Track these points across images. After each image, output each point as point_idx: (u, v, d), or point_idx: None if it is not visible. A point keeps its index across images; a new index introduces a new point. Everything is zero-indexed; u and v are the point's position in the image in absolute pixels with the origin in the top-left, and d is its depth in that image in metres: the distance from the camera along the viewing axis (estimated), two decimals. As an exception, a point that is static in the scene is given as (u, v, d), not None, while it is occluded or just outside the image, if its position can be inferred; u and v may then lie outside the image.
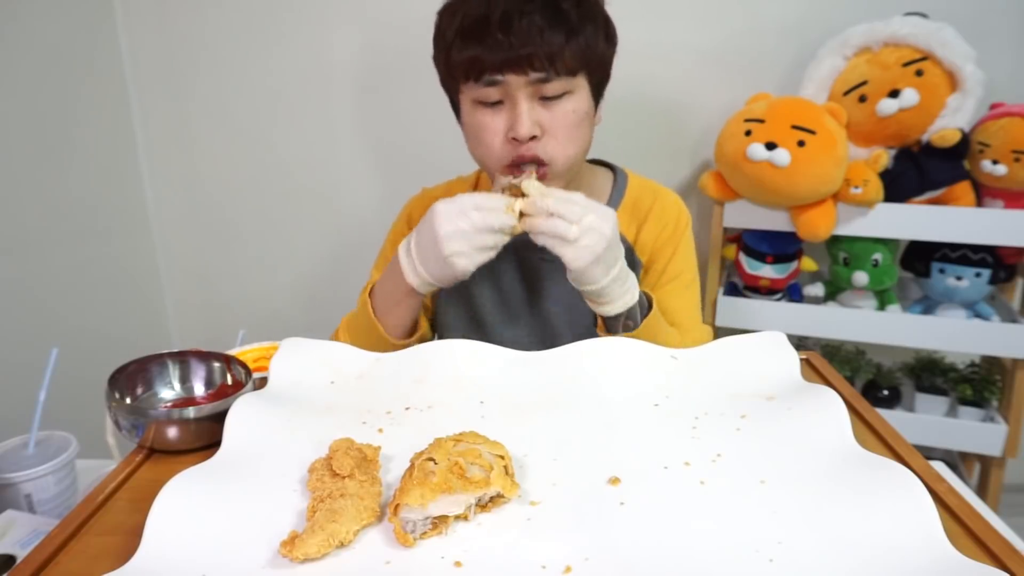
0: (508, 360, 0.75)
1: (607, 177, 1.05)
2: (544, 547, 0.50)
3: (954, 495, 0.56)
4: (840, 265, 1.52)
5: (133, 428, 0.64)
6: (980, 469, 1.61)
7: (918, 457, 0.62)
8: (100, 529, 0.55)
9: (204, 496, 0.53)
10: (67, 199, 1.53)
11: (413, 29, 1.57)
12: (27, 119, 1.43)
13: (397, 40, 1.64)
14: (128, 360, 0.71)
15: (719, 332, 1.04)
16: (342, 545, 0.49)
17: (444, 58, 0.89)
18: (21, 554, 0.68)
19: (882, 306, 1.51)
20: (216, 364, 0.74)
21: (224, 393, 0.70)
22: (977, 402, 1.51)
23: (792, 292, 1.57)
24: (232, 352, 0.84)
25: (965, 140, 1.34)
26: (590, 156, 0.98)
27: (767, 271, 1.51)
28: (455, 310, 1.04)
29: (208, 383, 0.74)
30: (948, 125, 1.34)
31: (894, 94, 1.34)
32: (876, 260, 1.47)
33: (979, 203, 1.42)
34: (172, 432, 0.63)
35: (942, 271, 1.46)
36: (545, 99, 0.86)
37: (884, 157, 1.38)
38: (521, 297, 1.03)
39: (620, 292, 0.83)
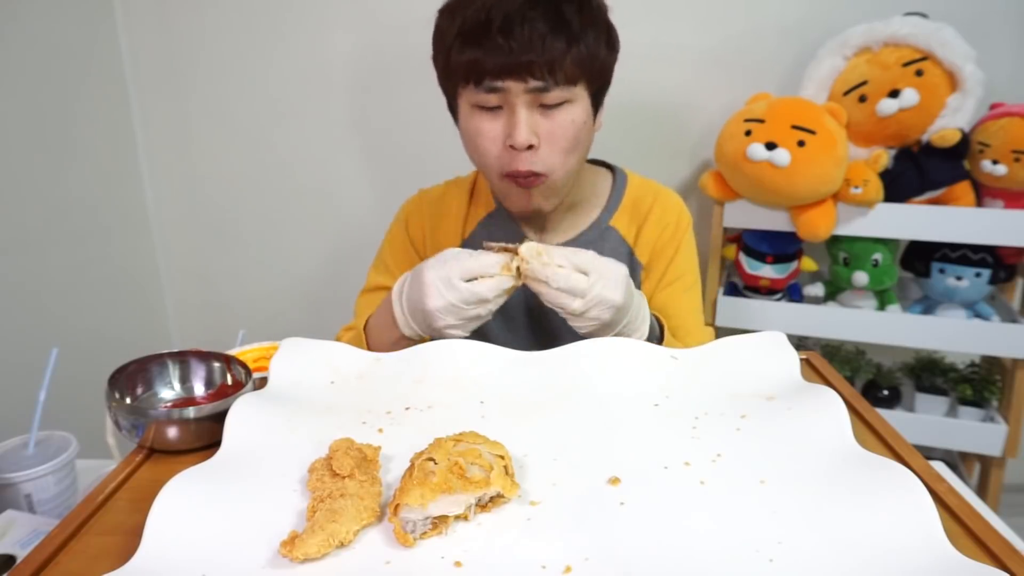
0: (508, 360, 0.75)
1: (606, 177, 1.05)
2: (544, 547, 0.50)
3: (954, 495, 0.56)
4: (840, 265, 1.52)
5: (133, 428, 0.64)
6: (980, 469, 1.61)
7: (918, 457, 0.62)
8: (100, 529, 0.55)
9: (204, 496, 0.53)
10: (67, 199, 1.54)
11: (413, 29, 1.57)
12: (27, 119, 1.43)
13: (397, 40, 1.64)
14: (128, 360, 0.71)
15: (719, 332, 1.04)
16: (342, 545, 0.49)
17: (443, 59, 0.87)
18: (21, 554, 0.68)
19: (882, 306, 1.51)
20: (216, 364, 0.74)
21: (224, 393, 0.70)
22: (977, 402, 1.51)
23: (792, 292, 1.57)
24: (232, 352, 0.84)
25: (965, 140, 1.34)
26: (589, 156, 0.98)
27: (767, 271, 1.52)
28: None
29: (208, 383, 0.74)
30: (948, 125, 1.34)
31: (894, 94, 1.34)
32: (876, 260, 1.47)
33: (979, 203, 1.42)
34: (172, 432, 0.63)
35: (942, 271, 1.46)
36: (544, 107, 0.84)
37: (884, 157, 1.38)
38: (519, 298, 1.03)
39: (630, 333, 0.82)
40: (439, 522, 0.51)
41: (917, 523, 0.49)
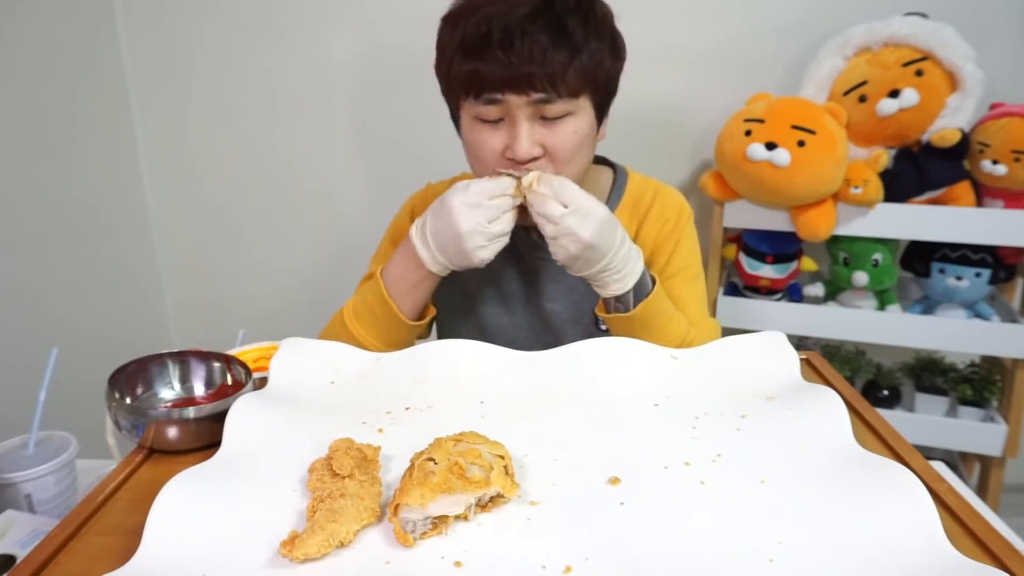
0: (508, 360, 0.75)
1: (607, 175, 1.05)
2: (544, 547, 0.50)
3: (954, 495, 0.56)
4: (840, 265, 1.52)
5: (133, 428, 0.64)
6: (980, 469, 1.61)
7: (918, 457, 0.62)
8: (100, 529, 0.55)
9: (204, 496, 0.53)
10: (67, 199, 1.54)
11: (413, 29, 1.58)
12: (27, 119, 1.43)
13: (397, 40, 1.64)
14: (128, 360, 0.71)
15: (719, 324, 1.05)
16: (342, 545, 0.49)
17: (445, 70, 0.87)
18: (21, 554, 0.68)
19: (882, 306, 1.51)
20: (216, 364, 0.74)
21: (224, 393, 0.70)
22: (977, 402, 1.51)
23: (792, 292, 1.57)
24: (232, 352, 0.84)
25: (965, 140, 1.34)
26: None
27: (767, 271, 1.52)
28: (456, 309, 1.04)
29: (208, 383, 0.74)
30: (948, 125, 1.34)
31: (894, 94, 1.34)
32: (876, 260, 1.47)
33: (979, 203, 1.42)
34: (172, 432, 0.63)
35: (942, 271, 1.46)
36: (546, 119, 0.84)
37: (884, 157, 1.38)
38: (521, 296, 1.03)
39: (610, 281, 0.85)
40: (439, 522, 0.51)
41: (917, 523, 0.49)
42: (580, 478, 0.57)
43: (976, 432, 1.48)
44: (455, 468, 0.53)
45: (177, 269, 1.88)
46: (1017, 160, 1.33)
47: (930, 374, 1.59)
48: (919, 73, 1.33)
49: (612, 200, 1.02)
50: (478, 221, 0.81)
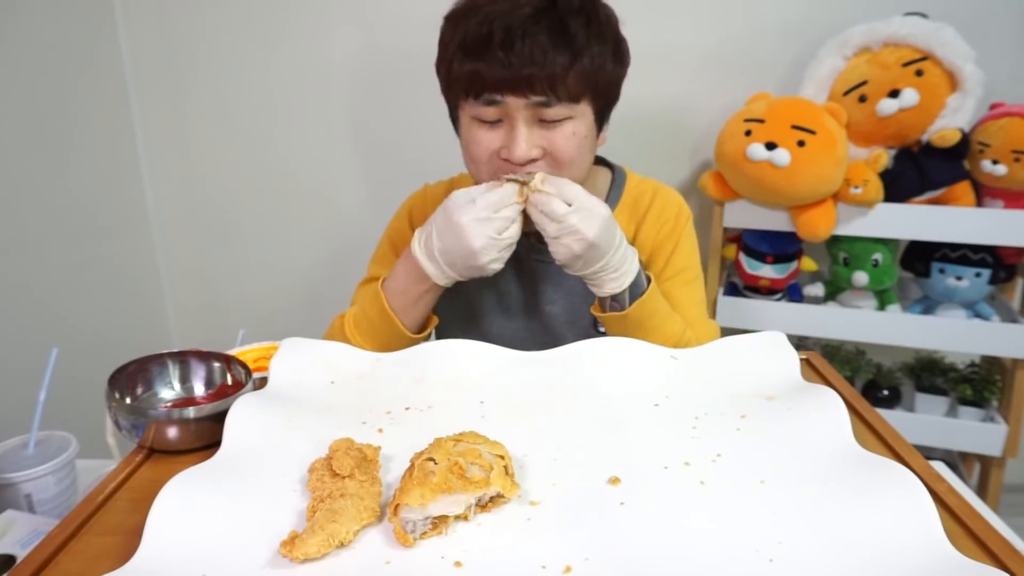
0: (508, 360, 0.75)
1: (605, 175, 1.05)
2: (544, 547, 0.50)
3: (954, 495, 0.56)
4: (840, 265, 1.52)
5: (133, 428, 0.64)
6: (980, 469, 1.61)
7: (918, 457, 0.62)
8: (100, 529, 0.55)
9: (204, 496, 0.53)
10: (67, 199, 1.54)
11: (412, 29, 1.57)
12: (27, 119, 1.43)
13: (396, 40, 1.64)
14: (128, 360, 0.71)
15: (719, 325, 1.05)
16: (342, 545, 0.49)
17: (445, 69, 0.87)
18: (21, 554, 0.68)
19: (882, 306, 1.51)
20: (216, 364, 0.74)
21: (224, 393, 0.70)
22: (977, 402, 1.51)
23: (792, 292, 1.57)
24: (232, 352, 0.84)
25: (965, 140, 1.34)
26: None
27: (767, 271, 1.52)
28: (454, 313, 1.04)
29: (208, 383, 0.74)
30: (948, 125, 1.34)
31: (894, 94, 1.34)
32: (876, 260, 1.47)
33: (979, 203, 1.42)
34: (172, 432, 0.63)
35: (942, 271, 1.46)
36: (545, 122, 0.83)
37: (884, 157, 1.38)
38: (519, 299, 1.03)
39: (607, 280, 0.84)
40: (439, 522, 0.51)
41: (917, 523, 0.49)
42: (580, 478, 0.57)
43: (976, 432, 1.48)
44: (455, 468, 0.53)
45: (177, 269, 1.88)
46: (1017, 160, 1.33)
47: (930, 374, 1.59)
48: (919, 73, 1.33)
49: (611, 200, 1.02)
50: (489, 235, 0.80)
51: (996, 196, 1.41)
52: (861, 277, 1.48)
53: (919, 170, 1.38)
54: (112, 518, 0.56)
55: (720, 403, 0.68)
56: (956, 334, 1.43)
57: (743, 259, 1.54)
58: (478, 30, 0.80)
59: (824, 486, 0.54)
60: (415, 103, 1.66)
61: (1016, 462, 1.50)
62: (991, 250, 1.42)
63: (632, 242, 1.01)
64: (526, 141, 0.83)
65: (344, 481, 0.54)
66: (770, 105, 1.40)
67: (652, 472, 0.58)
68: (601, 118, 0.89)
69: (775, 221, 1.47)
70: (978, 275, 1.43)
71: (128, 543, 0.49)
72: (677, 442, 0.62)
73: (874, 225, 1.41)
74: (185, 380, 0.74)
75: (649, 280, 0.89)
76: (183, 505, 0.52)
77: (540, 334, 1.03)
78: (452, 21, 0.85)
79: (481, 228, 0.79)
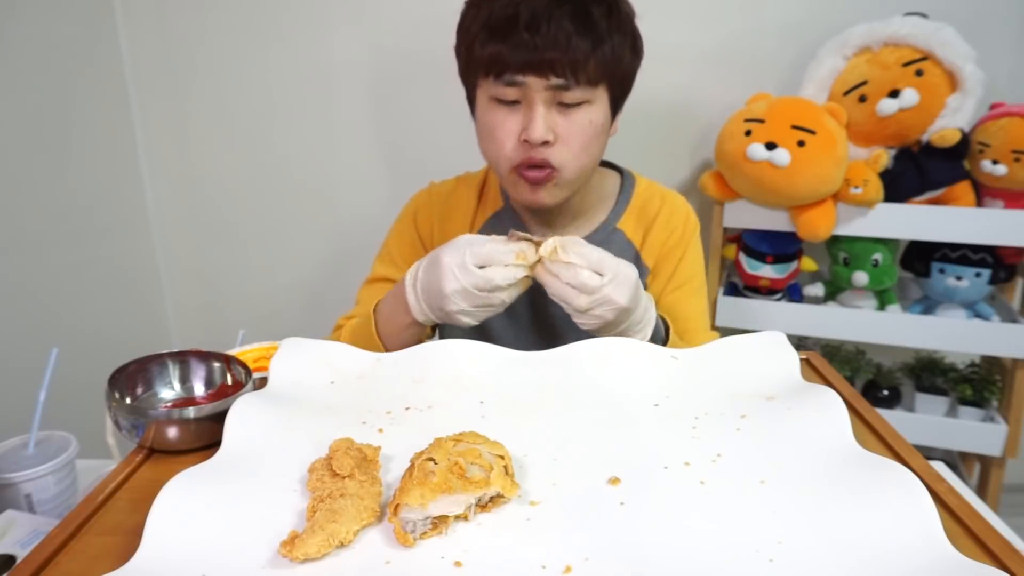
0: (508, 360, 0.75)
1: (614, 179, 1.05)
2: (544, 547, 0.50)
3: (954, 495, 0.56)
4: (840, 265, 1.52)
5: (133, 428, 0.64)
6: (980, 469, 1.61)
7: (918, 457, 0.62)
8: (100, 529, 0.55)
9: (204, 496, 0.53)
10: (67, 199, 1.53)
11: (412, 29, 1.57)
12: (27, 119, 1.43)
13: (398, 40, 1.63)
14: (128, 360, 0.71)
15: (719, 332, 1.04)
16: (342, 545, 0.49)
17: (466, 50, 0.88)
18: (21, 554, 0.68)
19: (882, 306, 1.51)
20: (216, 364, 0.74)
21: (224, 393, 0.70)
22: (977, 402, 1.51)
23: (792, 292, 1.57)
24: (232, 352, 0.84)
25: (965, 140, 1.34)
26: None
27: (767, 271, 1.52)
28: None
29: (208, 383, 0.74)
30: (948, 125, 1.34)
31: (894, 94, 1.34)
32: (876, 260, 1.47)
33: (979, 203, 1.42)
34: (172, 432, 0.63)
35: (942, 271, 1.46)
36: (563, 105, 0.85)
37: (884, 157, 1.38)
38: (521, 299, 1.02)
39: (633, 334, 0.82)
40: (439, 522, 0.51)
41: (917, 523, 0.49)
42: (580, 478, 0.57)
43: (976, 432, 1.48)
44: (455, 468, 0.53)
45: (177, 269, 1.88)
46: (1017, 160, 1.33)
47: (930, 374, 1.59)
48: (919, 73, 1.33)
49: (619, 205, 1.02)
50: (464, 285, 0.76)
51: (996, 196, 1.41)
52: (861, 277, 1.48)
53: (919, 170, 1.38)
54: (112, 518, 0.56)
55: (720, 403, 0.68)
56: (956, 334, 1.43)
57: (743, 259, 1.54)
58: (504, 12, 0.82)
59: (824, 486, 0.54)
60: (415, 103, 1.65)
61: (1016, 462, 1.50)
62: (991, 250, 1.42)
63: (640, 248, 1.02)
64: (544, 122, 0.84)
65: (344, 481, 0.54)
66: (770, 105, 1.40)
67: (652, 472, 0.58)
68: (615, 107, 0.91)
69: (775, 221, 1.47)
70: (978, 275, 1.43)
71: (128, 543, 0.49)
72: (677, 442, 0.62)
73: (874, 225, 1.41)
74: (185, 380, 0.74)
75: (667, 326, 0.89)
76: (183, 505, 0.52)
77: (541, 334, 1.03)
78: (475, 5, 0.87)
79: (459, 273, 0.76)
